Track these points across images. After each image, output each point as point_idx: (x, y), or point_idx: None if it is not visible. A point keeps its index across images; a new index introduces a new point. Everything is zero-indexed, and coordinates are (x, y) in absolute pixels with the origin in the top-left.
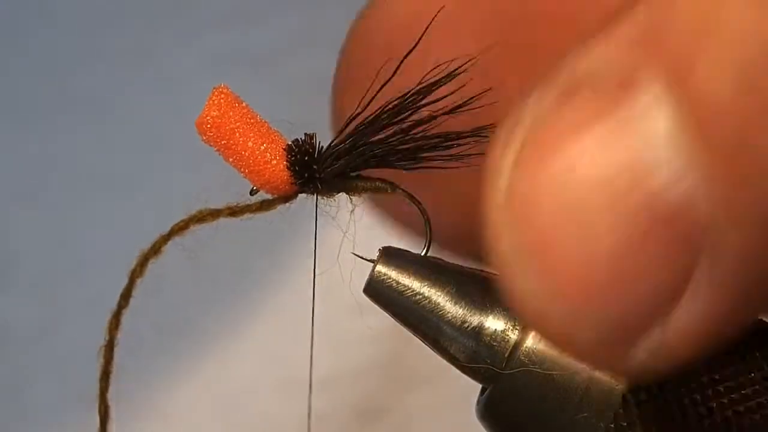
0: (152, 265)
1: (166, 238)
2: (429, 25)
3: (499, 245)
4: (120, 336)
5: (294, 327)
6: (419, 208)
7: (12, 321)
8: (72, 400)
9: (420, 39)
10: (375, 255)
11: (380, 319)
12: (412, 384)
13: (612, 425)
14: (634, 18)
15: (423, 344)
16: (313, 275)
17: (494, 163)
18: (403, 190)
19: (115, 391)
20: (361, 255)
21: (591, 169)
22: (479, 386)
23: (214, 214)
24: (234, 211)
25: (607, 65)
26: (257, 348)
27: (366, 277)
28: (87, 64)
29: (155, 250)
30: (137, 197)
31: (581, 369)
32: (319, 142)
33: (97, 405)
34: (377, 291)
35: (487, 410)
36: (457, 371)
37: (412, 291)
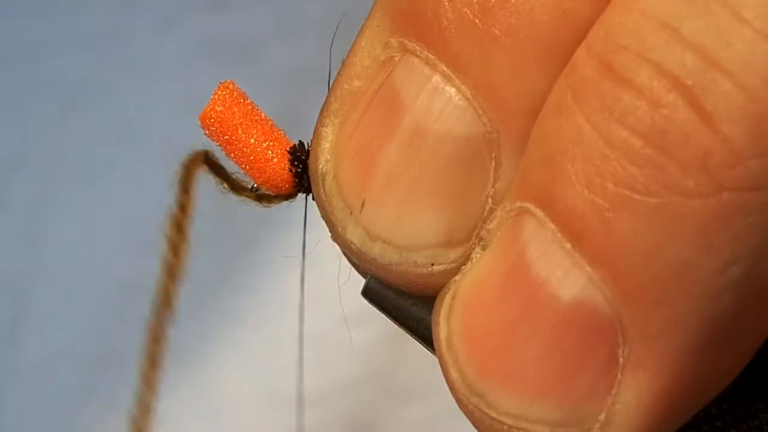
0: (136, 272)
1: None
2: None
3: (451, 379)
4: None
5: (281, 337)
6: None
7: None
8: (44, 402)
9: None
10: None
11: (372, 331)
12: (405, 398)
13: None
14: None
15: (414, 358)
16: (301, 282)
17: (436, 317)
18: None
19: (96, 402)
20: None
21: (500, 318)
22: None
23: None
24: (234, 186)
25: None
26: (243, 359)
27: (357, 280)
28: (63, 47)
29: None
30: (112, 188)
31: None
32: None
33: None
34: (376, 293)
35: None
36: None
37: (411, 293)
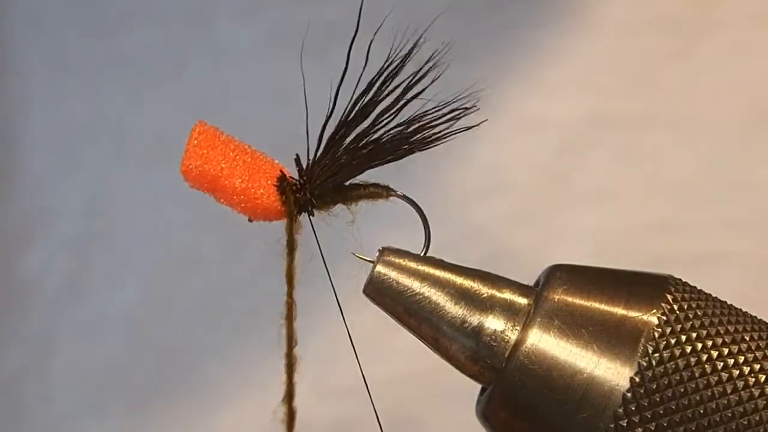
0: (192, 248)
1: None
2: None
3: None
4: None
5: (334, 334)
6: (416, 210)
7: (42, 276)
8: (96, 363)
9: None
10: (374, 255)
11: None
12: (451, 397)
13: (612, 425)
14: None
15: None
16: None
17: None
18: (398, 193)
19: (142, 363)
20: (361, 255)
21: None
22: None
23: None
24: None
25: None
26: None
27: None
28: (142, 25)
29: None
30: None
31: (581, 369)
32: (308, 160)
33: None
34: (377, 291)
35: (487, 410)
36: None
37: (412, 291)
